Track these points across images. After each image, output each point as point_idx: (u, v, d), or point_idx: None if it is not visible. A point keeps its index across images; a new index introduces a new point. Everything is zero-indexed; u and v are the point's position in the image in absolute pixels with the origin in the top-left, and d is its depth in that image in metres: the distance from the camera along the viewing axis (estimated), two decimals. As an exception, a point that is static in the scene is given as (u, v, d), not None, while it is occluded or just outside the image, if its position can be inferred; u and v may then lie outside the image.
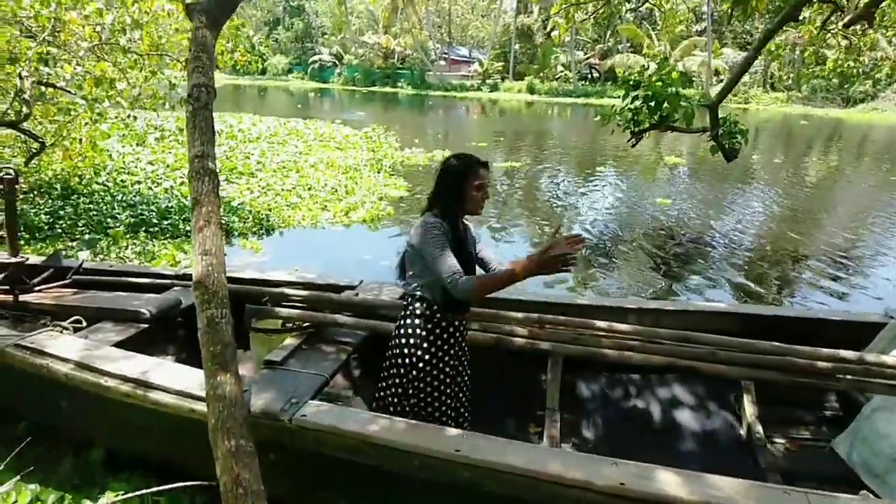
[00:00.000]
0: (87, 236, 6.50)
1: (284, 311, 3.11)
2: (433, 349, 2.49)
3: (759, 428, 3.25)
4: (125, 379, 2.42)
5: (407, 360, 2.53)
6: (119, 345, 2.86)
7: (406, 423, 2.23)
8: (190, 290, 3.48)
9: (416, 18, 52.14)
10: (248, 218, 7.80)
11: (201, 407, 2.24)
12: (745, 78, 40.95)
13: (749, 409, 3.33)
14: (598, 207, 10.66)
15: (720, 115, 5.07)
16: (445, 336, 2.50)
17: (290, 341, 2.94)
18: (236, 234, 7.34)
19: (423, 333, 2.46)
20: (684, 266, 7.29)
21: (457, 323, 2.52)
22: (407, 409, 2.54)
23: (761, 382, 2.93)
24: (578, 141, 22.13)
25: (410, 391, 2.52)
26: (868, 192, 12.96)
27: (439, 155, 14.80)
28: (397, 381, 2.55)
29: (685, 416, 3.38)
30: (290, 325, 3.12)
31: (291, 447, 2.23)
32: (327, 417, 2.21)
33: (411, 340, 2.48)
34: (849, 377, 2.53)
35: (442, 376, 2.52)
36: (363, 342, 3.06)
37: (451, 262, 2.25)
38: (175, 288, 3.56)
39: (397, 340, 2.52)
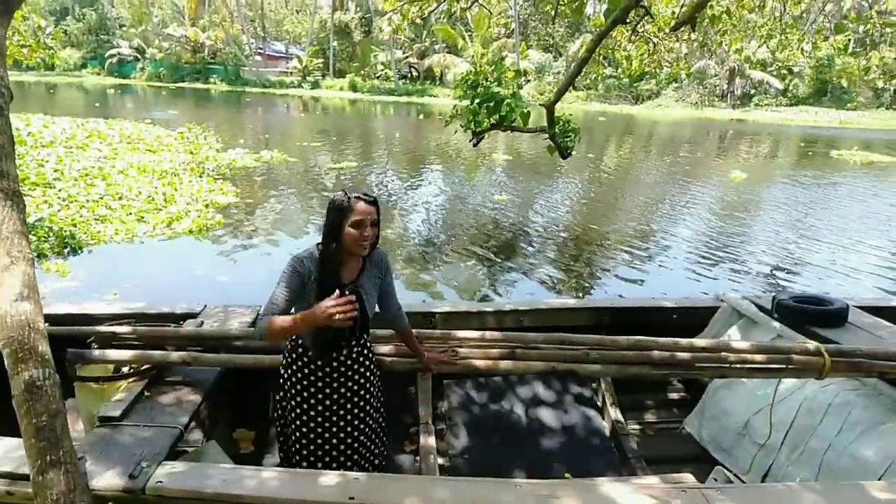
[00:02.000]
0: None
1: (116, 354, 2.63)
2: (303, 391, 2.29)
3: (620, 417, 3.41)
4: None
5: (282, 402, 2.36)
6: None
7: (283, 473, 1.97)
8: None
9: (225, 11, 49.26)
10: (49, 236, 6.74)
11: (22, 488, 1.80)
12: (550, 78, 44.30)
13: (609, 399, 3.49)
14: (428, 206, 10.80)
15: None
16: (317, 374, 2.28)
17: (127, 389, 2.49)
18: (35, 255, 6.29)
19: (293, 373, 2.29)
20: (512, 260, 7.64)
21: (326, 362, 2.28)
22: (296, 454, 2.32)
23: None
24: (406, 139, 22.37)
25: (292, 436, 2.26)
26: (656, 182, 14.56)
27: (267, 156, 14.08)
28: (278, 424, 2.32)
29: (551, 414, 3.46)
30: (126, 368, 2.65)
31: (149, 522, 1.87)
32: (188, 479, 1.89)
33: (284, 382, 2.34)
34: (704, 365, 2.70)
35: (319, 419, 2.29)
36: (217, 380, 2.69)
37: (273, 299, 2.11)
38: None
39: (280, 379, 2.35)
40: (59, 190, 8.85)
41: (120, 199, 8.79)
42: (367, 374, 2.38)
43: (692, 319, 3.67)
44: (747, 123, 36.39)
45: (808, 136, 29.62)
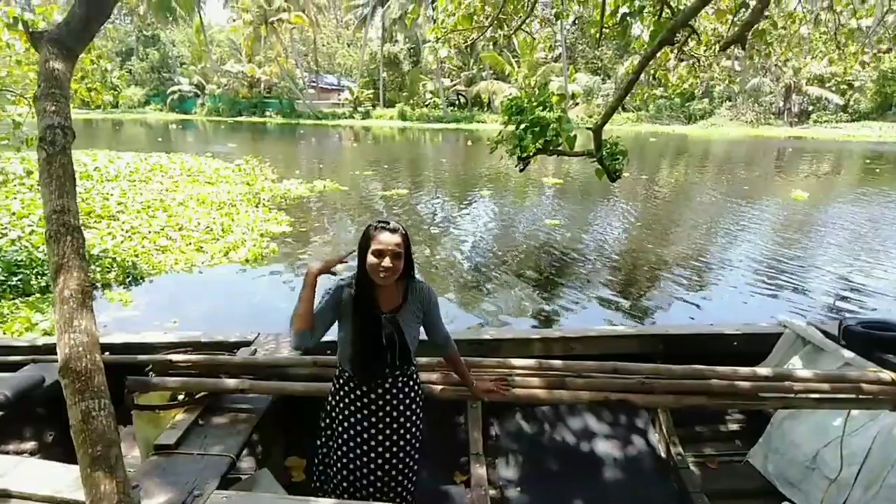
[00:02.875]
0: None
1: (173, 381, 2.69)
2: (346, 419, 2.33)
3: (679, 449, 3.27)
4: (-27, 492, 1.95)
5: (326, 430, 2.40)
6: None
7: (335, 503, 1.95)
8: (51, 364, 3.00)
9: (280, 47, 51.06)
10: (113, 267, 7.02)
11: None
12: (599, 100, 44.05)
13: (666, 430, 3.36)
14: (477, 231, 10.79)
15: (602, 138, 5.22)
16: (362, 401, 2.30)
17: (182, 417, 2.53)
18: (99, 285, 6.56)
19: (339, 401, 2.35)
20: (562, 285, 7.51)
21: (368, 387, 2.30)
22: (335, 478, 2.35)
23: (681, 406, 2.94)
24: (455, 165, 22.54)
25: (334, 464, 2.26)
26: (711, 203, 14.16)
27: (320, 186, 14.39)
28: (320, 452, 2.34)
29: (605, 445, 3.35)
30: (182, 396, 2.71)
31: (199, 551, 1.88)
32: (240, 510, 1.89)
33: (331, 409, 2.40)
34: (768, 395, 2.57)
35: (357, 445, 2.31)
36: (269, 407, 2.71)
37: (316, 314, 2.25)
38: (33, 363, 3.02)
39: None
40: (123, 222, 9.25)
41: (180, 229, 9.11)
42: (411, 404, 2.37)
43: (753, 347, 3.51)
44: (806, 141, 35.21)
45: (871, 152, 28.42)
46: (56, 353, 3.02)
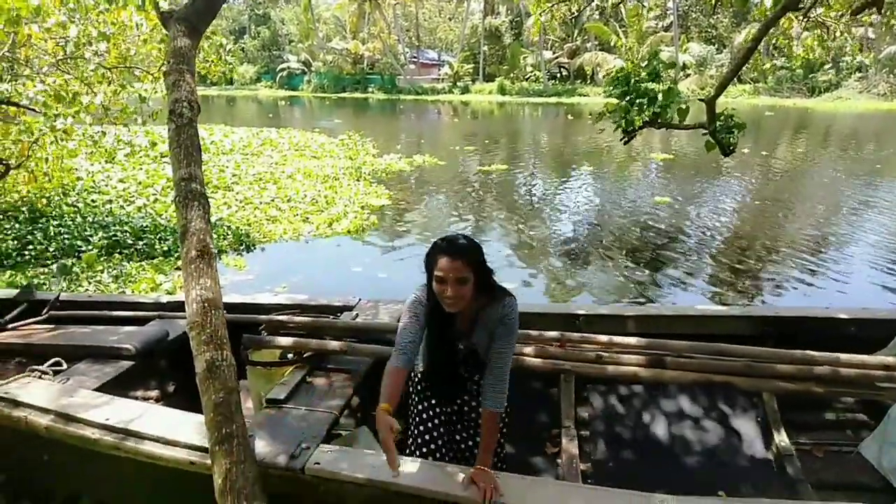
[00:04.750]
0: (59, 262, 6.17)
1: (283, 341, 2.88)
2: (421, 423, 2.34)
3: (784, 436, 3.11)
4: (113, 430, 2.18)
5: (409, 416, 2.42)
6: (103, 387, 2.61)
7: (433, 466, 2.03)
8: (175, 321, 3.28)
9: (383, 23, 51.81)
10: (228, 234, 7.51)
11: (202, 459, 2.02)
12: (712, 71, 41.55)
13: (771, 416, 3.20)
14: (576, 208, 10.58)
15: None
16: (435, 410, 2.32)
17: (290, 375, 2.71)
18: (216, 251, 7.04)
19: (418, 401, 2.36)
20: (666, 266, 7.24)
21: (442, 403, 2.30)
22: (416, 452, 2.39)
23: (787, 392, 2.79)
24: (555, 140, 22.13)
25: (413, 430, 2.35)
26: (834, 182, 13.09)
27: (419, 160, 14.61)
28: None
29: (705, 429, 3.24)
30: (290, 354, 2.89)
31: (305, 499, 2.02)
32: (343, 464, 2.00)
33: (410, 402, 2.40)
34: (885, 385, 2.39)
35: (428, 437, 2.34)
36: (369, 369, 2.85)
37: (401, 336, 2.04)
38: (159, 319, 3.31)
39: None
40: (237, 193, 9.84)
41: (288, 201, 9.58)
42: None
43: (871, 333, 3.23)
44: (949, 115, 31.64)
45: None
46: (179, 311, 3.33)
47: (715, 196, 11.47)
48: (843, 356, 2.62)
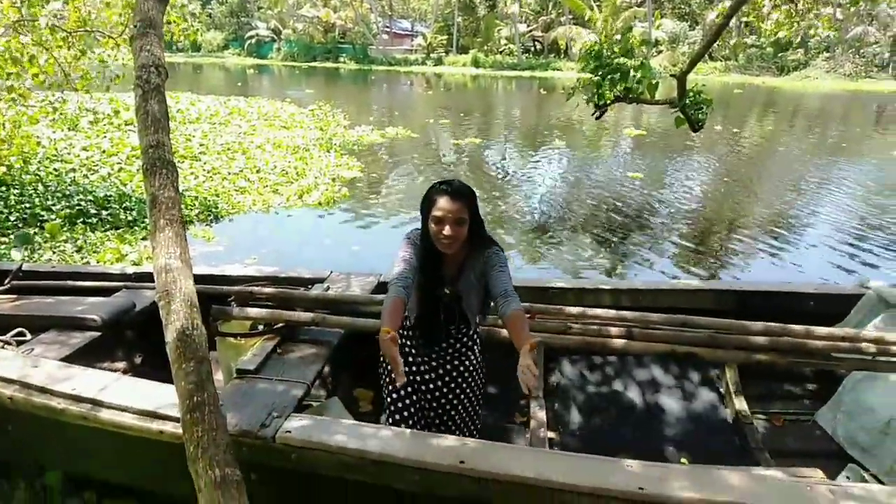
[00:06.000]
0: (20, 231, 6.00)
1: (253, 312, 2.87)
2: (392, 384, 2.32)
3: (744, 405, 3.22)
4: (80, 399, 2.16)
5: (383, 374, 2.41)
6: (69, 357, 2.57)
7: (404, 433, 2.06)
8: (142, 292, 3.23)
9: (355, -9, 50.79)
10: (196, 205, 7.38)
11: (171, 428, 2.02)
12: (684, 48, 41.81)
13: (733, 387, 3.31)
14: (548, 183, 10.63)
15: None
16: (418, 359, 2.34)
17: (261, 345, 2.70)
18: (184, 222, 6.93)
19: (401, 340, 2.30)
20: (634, 241, 7.36)
21: (424, 352, 2.32)
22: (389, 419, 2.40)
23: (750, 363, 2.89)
24: (528, 114, 22.15)
25: (386, 407, 2.36)
26: (800, 160, 13.36)
27: (391, 132, 14.47)
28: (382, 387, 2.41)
29: (669, 398, 3.34)
30: (260, 326, 2.88)
31: (276, 468, 2.03)
32: (314, 432, 2.02)
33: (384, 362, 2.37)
34: (842, 356, 2.49)
35: (409, 402, 2.36)
36: (341, 341, 2.85)
37: (396, 269, 2.09)
38: (125, 290, 3.26)
39: None
40: (204, 163, 9.64)
41: (257, 172, 9.43)
42: (467, 362, 2.39)
43: (831, 308, 3.36)
44: (914, 96, 32.39)
45: None
46: (146, 282, 3.28)
47: (684, 172, 11.64)
48: (803, 328, 2.72)
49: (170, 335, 1.77)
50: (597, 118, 5.68)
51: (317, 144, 12.05)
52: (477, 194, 2.18)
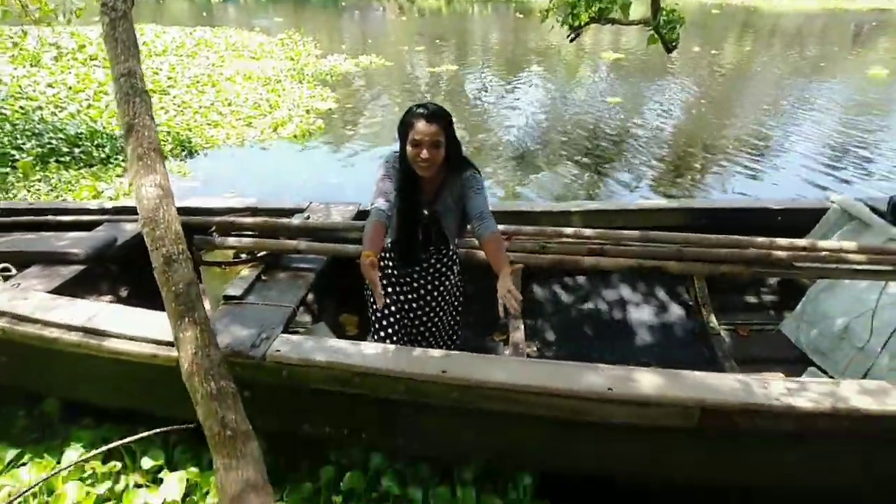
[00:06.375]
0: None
1: (236, 241, 2.92)
2: (384, 289, 2.38)
3: (712, 317, 3.39)
4: (71, 328, 2.22)
5: (368, 295, 2.47)
6: (56, 290, 2.61)
7: (387, 348, 2.17)
8: (122, 225, 3.24)
9: (321, -90, 48.12)
10: (168, 140, 7.24)
11: (164, 352, 2.10)
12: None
13: (701, 299, 3.47)
14: (527, 110, 10.54)
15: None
16: (397, 279, 2.42)
17: (246, 273, 2.76)
18: (158, 156, 6.82)
19: (380, 270, 2.36)
20: (611, 167, 7.43)
21: (404, 271, 2.40)
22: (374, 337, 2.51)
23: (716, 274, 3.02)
24: (505, 40, 21.65)
25: (370, 319, 2.46)
26: (777, 81, 13.34)
27: (365, 62, 14.12)
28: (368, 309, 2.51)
29: (640, 312, 3.50)
30: (244, 255, 2.94)
31: (267, 384, 2.14)
32: (302, 350, 2.12)
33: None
34: (804, 265, 2.62)
35: (393, 319, 2.45)
36: (324, 268, 2.92)
37: (375, 194, 2.16)
38: (106, 224, 3.27)
39: None
40: (174, 97, 9.39)
41: (229, 105, 9.23)
42: (445, 281, 2.47)
43: (797, 222, 3.48)
44: (893, 13, 32.07)
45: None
46: (125, 215, 3.29)
47: (663, 96, 11.61)
48: (768, 239, 2.84)
49: (156, 260, 1.82)
50: (571, 41, 5.64)
51: (288, 75, 11.77)
52: (454, 119, 2.20)
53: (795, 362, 3.14)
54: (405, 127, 2.11)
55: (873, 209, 3.31)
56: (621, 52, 16.87)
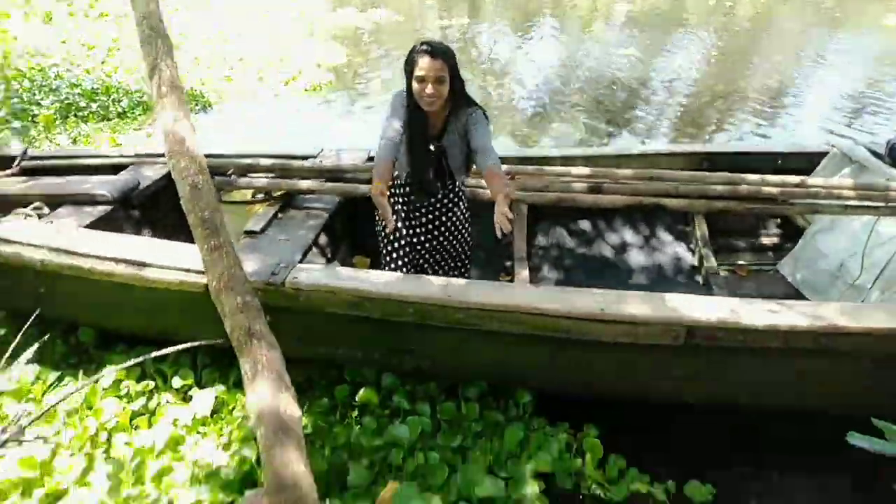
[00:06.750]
0: (13, 125, 6.04)
1: (254, 181, 3.07)
2: (396, 223, 2.51)
3: (711, 258, 3.51)
4: (104, 258, 2.39)
5: (380, 231, 2.63)
6: (87, 227, 2.78)
7: (399, 276, 2.32)
8: (143, 170, 3.39)
9: None
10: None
11: (195, 279, 2.25)
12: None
13: (702, 241, 3.59)
14: (539, 63, 10.45)
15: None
16: (409, 214, 2.55)
17: (264, 211, 2.92)
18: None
19: (391, 205, 2.49)
20: (623, 121, 7.44)
21: (415, 205, 2.53)
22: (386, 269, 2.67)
23: (712, 214, 3.12)
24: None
25: (387, 257, 2.61)
26: (792, 33, 13.09)
27: (376, 15, 13.99)
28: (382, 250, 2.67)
29: (642, 253, 3.63)
30: (261, 195, 3.09)
31: (286, 309, 2.30)
32: (318, 277, 2.27)
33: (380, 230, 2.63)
34: (798, 201, 2.72)
35: (403, 252, 2.59)
36: (337, 208, 3.07)
37: (384, 131, 2.27)
38: (131, 168, 3.43)
39: None
40: (186, 52, 9.42)
41: (241, 59, 9.25)
42: (456, 214, 2.61)
43: (798, 165, 3.57)
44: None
45: None
46: (147, 161, 3.43)
47: (679, 47, 11.43)
48: (766, 177, 2.94)
49: (182, 189, 1.97)
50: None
51: (300, 30, 11.71)
52: (468, 78, 2.31)
53: (791, 299, 3.26)
54: (410, 63, 2.22)
55: (872, 152, 3.38)
56: (634, 3, 16.54)
